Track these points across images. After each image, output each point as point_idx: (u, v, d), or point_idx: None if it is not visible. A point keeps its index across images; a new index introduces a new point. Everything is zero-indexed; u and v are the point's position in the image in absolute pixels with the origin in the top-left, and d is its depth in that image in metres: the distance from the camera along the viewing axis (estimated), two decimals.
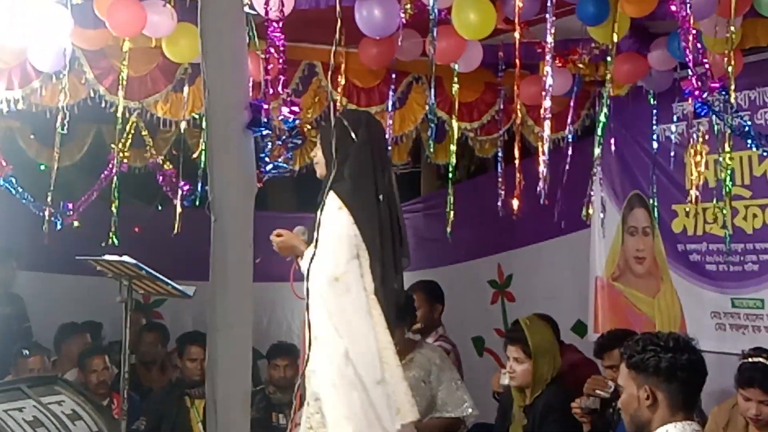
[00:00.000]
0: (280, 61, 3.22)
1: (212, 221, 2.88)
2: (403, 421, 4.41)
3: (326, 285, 4.29)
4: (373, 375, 4.34)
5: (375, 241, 4.39)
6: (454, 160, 6.57)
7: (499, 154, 6.80)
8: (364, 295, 4.38)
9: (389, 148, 6.07)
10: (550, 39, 4.75)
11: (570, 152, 6.10)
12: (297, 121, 3.15)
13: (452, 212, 6.46)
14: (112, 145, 6.30)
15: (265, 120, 2.96)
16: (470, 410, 5.87)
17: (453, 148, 6.45)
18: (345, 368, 4.28)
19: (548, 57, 4.84)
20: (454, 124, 6.37)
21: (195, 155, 6.39)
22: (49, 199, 6.36)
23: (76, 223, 6.74)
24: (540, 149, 5.21)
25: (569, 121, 6.22)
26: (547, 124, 5.13)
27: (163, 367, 7.98)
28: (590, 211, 6.61)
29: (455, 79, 6.09)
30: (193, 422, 6.79)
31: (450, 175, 6.63)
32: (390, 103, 6.34)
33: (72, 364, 7.41)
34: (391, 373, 4.40)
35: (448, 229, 6.46)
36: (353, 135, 4.38)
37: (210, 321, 2.79)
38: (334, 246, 4.32)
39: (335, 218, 4.35)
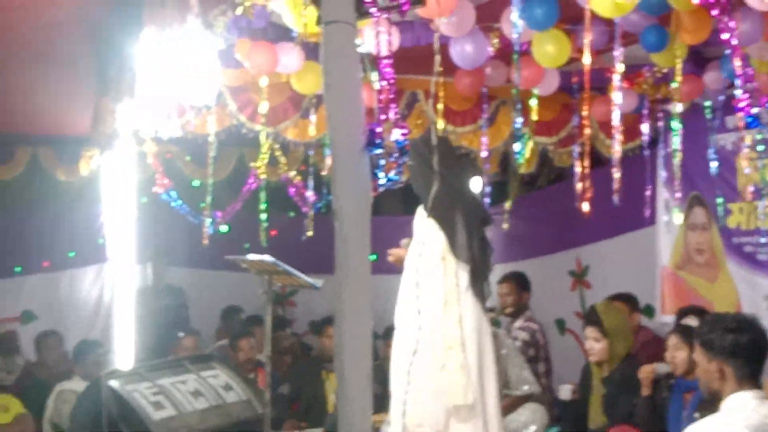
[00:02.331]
0: (390, 91, 3.23)
1: (336, 225, 2.92)
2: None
3: (420, 275, 4.29)
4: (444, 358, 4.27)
5: (458, 245, 4.36)
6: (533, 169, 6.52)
7: (575, 163, 6.75)
8: (453, 288, 4.33)
9: (478, 160, 6.07)
10: (618, 66, 4.72)
11: (637, 161, 6.01)
12: (405, 142, 3.16)
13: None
14: (252, 164, 6.43)
15: (379, 141, 3.00)
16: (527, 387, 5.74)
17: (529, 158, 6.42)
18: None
19: (617, 81, 4.80)
20: (533, 141, 6.38)
21: (324, 171, 6.48)
22: (203, 209, 6.53)
23: (224, 228, 6.91)
24: (611, 157, 5.18)
25: (638, 132, 6.18)
26: (617, 137, 5.10)
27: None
28: (656, 210, 6.52)
29: (536, 102, 6.07)
30: (327, 391, 6.86)
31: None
32: (482, 123, 6.35)
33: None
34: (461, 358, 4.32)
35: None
36: (432, 159, 4.38)
37: (336, 309, 2.82)
38: (426, 246, 4.34)
39: (424, 224, 4.38)
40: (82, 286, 8.52)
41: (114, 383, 5.27)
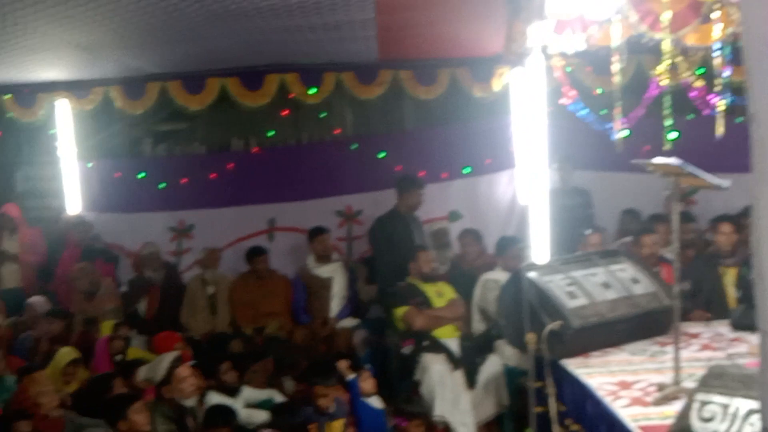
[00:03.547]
0: None
1: (752, 126, 2.76)
2: None
3: None
4: None
5: None
6: None
7: None
8: None
9: None
10: None
11: None
12: None
13: None
14: (650, 71, 6.19)
15: None
16: None
17: None
18: None
19: None
20: None
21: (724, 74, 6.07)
22: (605, 116, 6.45)
23: (625, 133, 6.77)
24: None
25: None
26: None
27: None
28: None
29: None
30: (726, 286, 6.58)
31: None
32: None
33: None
34: None
35: None
36: None
37: (754, 208, 2.68)
38: None
39: None
40: (497, 188, 8.87)
41: (532, 274, 5.50)
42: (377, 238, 7.82)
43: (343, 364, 6.28)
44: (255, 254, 8.41)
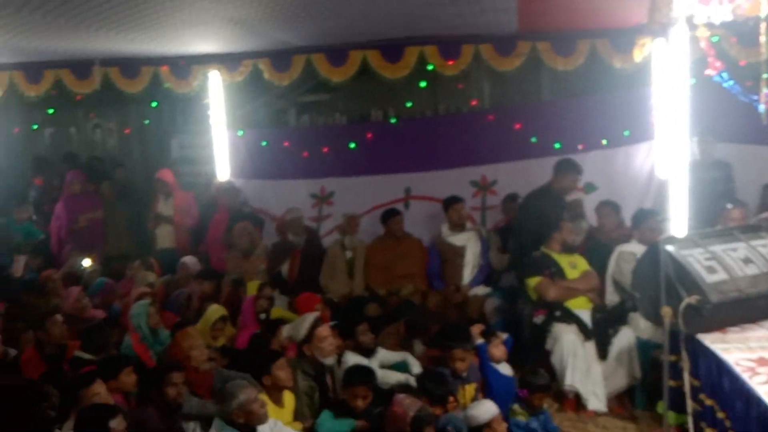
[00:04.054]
0: None
1: None
2: None
3: None
4: None
5: None
6: None
7: None
8: None
9: None
10: None
11: None
12: None
13: None
14: None
15: None
16: None
17: None
18: None
19: None
20: None
21: None
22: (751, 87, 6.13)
23: None
24: None
25: None
26: None
27: None
28: None
29: None
30: None
31: None
32: None
33: None
34: None
35: None
36: None
37: None
38: None
39: None
40: (635, 161, 8.60)
41: (671, 248, 5.33)
42: (526, 209, 7.71)
43: (476, 329, 6.29)
44: (390, 215, 8.51)
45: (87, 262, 8.66)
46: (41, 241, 9.48)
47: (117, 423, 4.15)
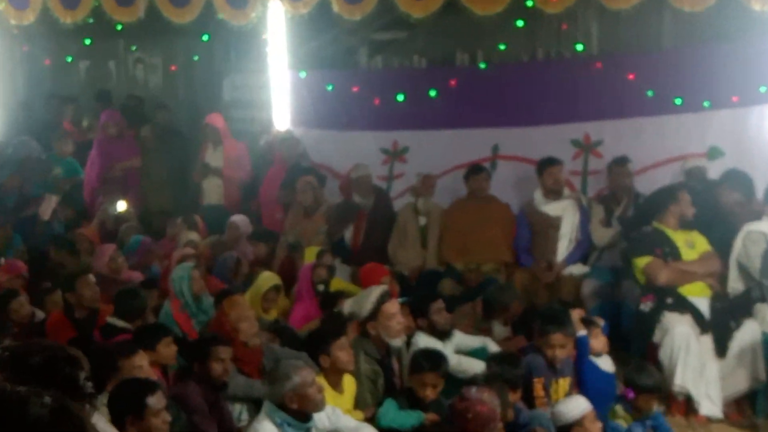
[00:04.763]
0: None
1: None
2: None
3: None
4: None
5: None
6: None
7: None
8: None
9: None
10: None
11: None
12: None
13: None
14: None
15: None
16: None
17: None
18: None
19: None
20: None
21: None
22: None
23: None
24: None
25: None
26: None
27: None
28: None
29: None
30: None
31: None
32: None
33: None
34: None
35: None
36: None
37: None
38: None
39: None
40: None
41: None
42: None
43: (576, 315, 6.18)
44: (474, 172, 8.49)
45: (121, 206, 8.80)
46: (76, 188, 9.68)
47: (156, 400, 4.23)
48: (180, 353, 5.60)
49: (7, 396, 1.63)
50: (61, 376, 2.57)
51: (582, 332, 6.09)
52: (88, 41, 10.77)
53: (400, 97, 9.40)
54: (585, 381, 6.07)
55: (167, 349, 5.48)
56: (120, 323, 6.18)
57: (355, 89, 9.56)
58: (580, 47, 9.48)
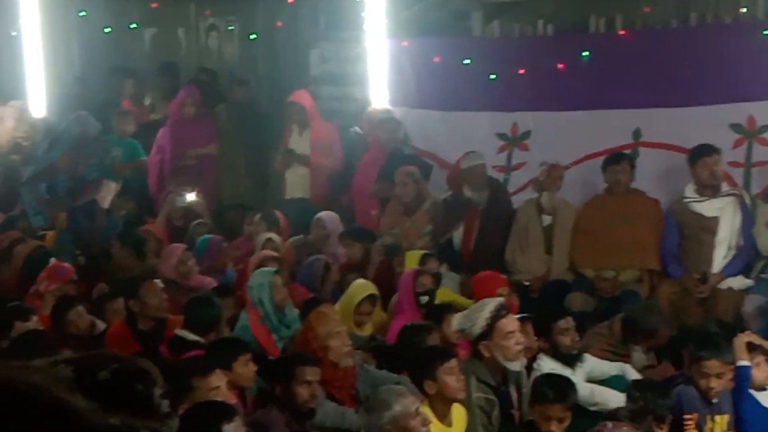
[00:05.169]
0: None
1: None
2: None
3: None
4: None
5: None
6: None
7: None
8: None
9: None
10: None
11: None
12: None
13: None
14: None
15: None
16: None
17: None
18: None
19: None
20: None
21: None
22: None
23: None
24: None
25: None
26: None
27: None
28: None
29: None
30: None
31: None
32: None
33: None
34: None
35: None
36: None
37: None
38: None
39: None
40: None
41: None
42: None
43: (743, 340, 6.04)
44: (614, 161, 8.46)
45: (191, 196, 8.94)
46: (138, 175, 9.83)
47: (233, 428, 4.32)
48: (259, 373, 5.68)
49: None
50: (132, 393, 2.62)
51: (744, 361, 5.98)
52: (154, 5, 10.99)
53: (521, 72, 9.36)
54: (744, 419, 5.97)
55: (245, 369, 5.56)
56: (190, 336, 6.26)
57: (466, 61, 9.56)
58: (743, 10, 9.29)
